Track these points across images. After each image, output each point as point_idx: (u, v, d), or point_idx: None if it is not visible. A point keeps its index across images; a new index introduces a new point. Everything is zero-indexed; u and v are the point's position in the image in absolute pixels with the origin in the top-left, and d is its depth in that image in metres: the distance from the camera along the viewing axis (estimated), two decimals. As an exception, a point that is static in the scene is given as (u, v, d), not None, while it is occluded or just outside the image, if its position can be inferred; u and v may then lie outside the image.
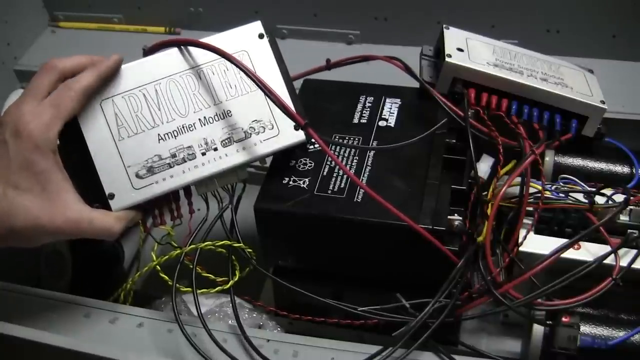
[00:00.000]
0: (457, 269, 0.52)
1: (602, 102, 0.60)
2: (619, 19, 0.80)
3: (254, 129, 0.55)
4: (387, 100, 0.65)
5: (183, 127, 0.54)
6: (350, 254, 0.57)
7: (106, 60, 0.52)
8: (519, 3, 0.82)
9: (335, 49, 0.89)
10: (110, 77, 0.53)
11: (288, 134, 0.55)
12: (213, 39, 0.55)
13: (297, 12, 0.89)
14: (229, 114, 0.55)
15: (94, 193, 0.52)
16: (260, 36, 0.56)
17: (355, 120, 0.63)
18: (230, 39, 0.55)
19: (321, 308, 0.55)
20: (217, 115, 0.54)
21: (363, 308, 0.53)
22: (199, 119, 0.54)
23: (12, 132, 0.48)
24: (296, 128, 0.55)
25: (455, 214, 0.54)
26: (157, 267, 0.56)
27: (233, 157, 0.54)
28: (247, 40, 0.56)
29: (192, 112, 0.54)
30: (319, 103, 0.64)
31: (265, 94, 0.53)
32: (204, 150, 0.54)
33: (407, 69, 0.62)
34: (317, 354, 0.52)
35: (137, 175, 0.53)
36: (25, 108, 0.49)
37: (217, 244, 0.55)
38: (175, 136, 0.54)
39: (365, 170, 0.57)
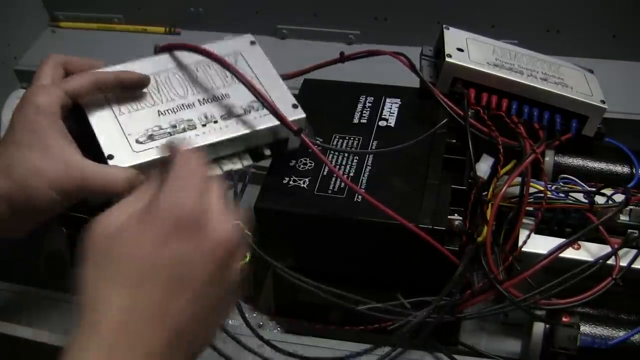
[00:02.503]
0: (458, 270, 0.52)
1: (602, 102, 0.60)
2: (619, 19, 0.80)
3: (253, 107, 0.55)
4: (387, 100, 0.65)
5: (183, 105, 0.55)
6: (351, 254, 0.57)
7: (133, 73, 0.54)
8: (519, 3, 0.82)
9: (335, 49, 0.88)
10: (129, 87, 0.54)
11: (287, 112, 0.55)
12: (211, 47, 0.56)
13: (297, 12, 0.89)
14: (227, 96, 0.56)
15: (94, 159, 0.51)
16: (252, 43, 0.60)
17: (356, 120, 0.63)
18: (225, 46, 0.58)
19: (321, 307, 0.55)
20: (215, 97, 0.56)
21: (363, 307, 0.53)
22: (198, 100, 0.55)
23: (19, 107, 0.49)
24: (295, 106, 0.56)
25: (456, 214, 0.54)
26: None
27: (233, 128, 0.54)
28: (240, 45, 0.59)
29: (190, 94, 0.55)
30: (319, 103, 0.64)
31: (263, 104, 0.53)
32: (204, 122, 0.54)
33: (411, 66, 0.62)
34: (317, 354, 0.52)
35: (137, 141, 0.52)
36: (33, 88, 0.50)
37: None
38: (175, 112, 0.54)
39: (365, 170, 0.57)
